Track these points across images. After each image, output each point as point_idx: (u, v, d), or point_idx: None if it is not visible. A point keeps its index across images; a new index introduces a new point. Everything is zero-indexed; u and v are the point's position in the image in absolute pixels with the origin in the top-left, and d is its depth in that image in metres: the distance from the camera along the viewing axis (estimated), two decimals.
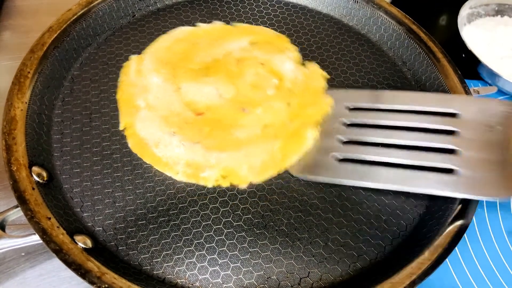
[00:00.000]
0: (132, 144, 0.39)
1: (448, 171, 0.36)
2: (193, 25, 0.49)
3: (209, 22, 0.50)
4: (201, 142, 0.39)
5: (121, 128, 0.40)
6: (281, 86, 0.44)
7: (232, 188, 0.37)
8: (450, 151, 0.38)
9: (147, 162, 0.38)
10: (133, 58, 0.45)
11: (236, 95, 0.43)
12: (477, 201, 0.36)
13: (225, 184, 0.37)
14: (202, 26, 0.49)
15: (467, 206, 0.36)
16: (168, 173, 0.37)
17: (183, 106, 0.41)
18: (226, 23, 0.50)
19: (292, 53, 0.48)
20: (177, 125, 0.40)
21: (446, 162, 0.37)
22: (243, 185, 0.38)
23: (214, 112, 0.41)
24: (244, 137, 0.40)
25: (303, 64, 0.47)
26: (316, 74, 0.47)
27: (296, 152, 0.39)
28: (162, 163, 0.38)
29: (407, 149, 0.38)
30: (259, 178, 0.38)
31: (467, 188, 0.35)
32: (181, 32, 0.48)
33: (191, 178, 0.37)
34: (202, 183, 0.37)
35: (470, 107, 0.40)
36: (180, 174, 0.37)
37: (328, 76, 0.46)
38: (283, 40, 0.49)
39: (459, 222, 0.35)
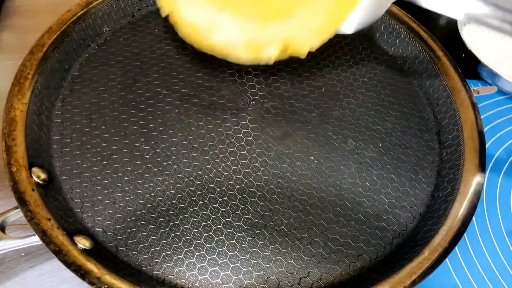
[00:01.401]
0: (183, 34, 0.37)
1: None
2: None
3: None
4: (255, 15, 0.37)
5: (163, 15, 0.38)
6: None
7: (232, 187, 0.37)
8: None
9: (204, 52, 0.38)
10: None
11: None
12: (478, 198, 0.35)
13: (285, 57, 0.38)
14: None
15: (467, 206, 0.35)
16: (229, 58, 0.38)
17: None
18: None
19: None
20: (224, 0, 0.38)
21: None
22: (303, 55, 0.38)
23: None
24: None
25: None
26: None
27: (353, 4, 0.38)
28: (219, 48, 0.37)
29: None
30: (318, 40, 0.38)
31: None
32: None
33: (253, 60, 0.38)
34: (265, 61, 0.38)
35: None
36: (243, 58, 0.38)
37: None
38: None
39: (459, 221, 0.35)
